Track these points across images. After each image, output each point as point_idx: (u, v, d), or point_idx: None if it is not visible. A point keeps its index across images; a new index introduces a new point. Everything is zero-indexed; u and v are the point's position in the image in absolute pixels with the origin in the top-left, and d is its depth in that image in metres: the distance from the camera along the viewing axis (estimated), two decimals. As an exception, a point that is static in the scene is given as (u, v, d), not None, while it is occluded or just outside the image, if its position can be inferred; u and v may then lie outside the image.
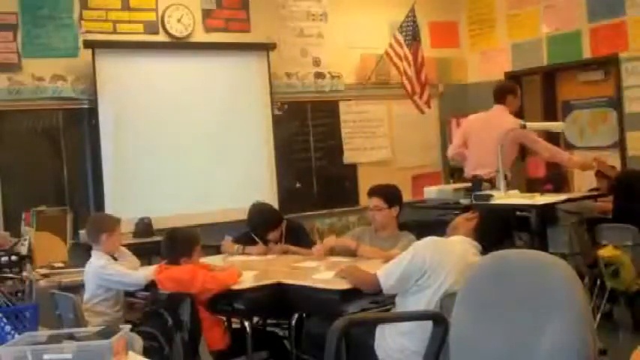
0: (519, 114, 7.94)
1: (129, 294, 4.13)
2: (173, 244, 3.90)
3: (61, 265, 4.70)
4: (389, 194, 4.27)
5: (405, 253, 3.26)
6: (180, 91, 6.71)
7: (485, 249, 3.25)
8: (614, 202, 5.40)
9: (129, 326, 2.33)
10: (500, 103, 5.72)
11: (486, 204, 4.89)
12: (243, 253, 4.71)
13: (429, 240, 3.24)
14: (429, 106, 7.60)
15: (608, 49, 7.08)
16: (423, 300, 3.09)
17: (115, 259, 4.20)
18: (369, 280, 3.34)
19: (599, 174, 6.00)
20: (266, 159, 7.16)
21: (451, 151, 6.09)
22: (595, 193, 5.81)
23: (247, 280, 3.84)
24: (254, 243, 4.76)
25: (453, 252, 3.18)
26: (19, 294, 4.10)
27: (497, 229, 3.49)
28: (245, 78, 7.12)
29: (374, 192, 4.32)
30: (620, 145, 7.11)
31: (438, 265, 3.10)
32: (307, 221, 7.09)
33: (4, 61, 6.10)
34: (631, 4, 6.87)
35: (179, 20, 6.85)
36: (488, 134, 5.45)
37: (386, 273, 3.25)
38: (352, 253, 4.24)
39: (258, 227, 4.78)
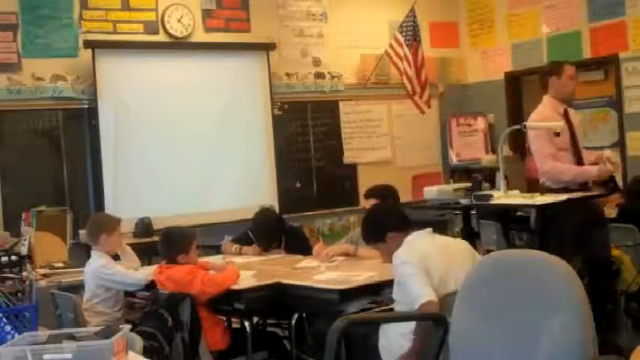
0: (521, 112, 7.99)
1: (129, 294, 4.14)
2: (169, 242, 3.91)
3: (61, 265, 4.70)
4: (385, 194, 4.27)
5: (401, 270, 3.05)
6: (180, 91, 6.70)
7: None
8: (623, 202, 5.40)
9: (129, 326, 2.33)
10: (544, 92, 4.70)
11: (486, 204, 4.88)
12: (240, 254, 4.72)
13: (405, 252, 3.10)
14: (429, 106, 7.60)
15: (608, 49, 7.08)
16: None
17: (118, 257, 4.20)
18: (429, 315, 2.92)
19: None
20: (266, 159, 7.16)
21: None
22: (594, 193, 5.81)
23: (247, 280, 3.84)
24: (252, 243, 4.77)
25: (430, 255, 3.08)
26: (19, 294, 4.09)
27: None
28: (245, 78, 7.12)
29: (370, 193, 4.33)
30: (620, 145, 7.11)
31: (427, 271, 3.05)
32: (307, 221, 7.11)
33: (4, 61, 6.10)
34: (631, 4, 6.88)
35: (179, 20, 6.85)
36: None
37: (422, 293, 2.93)
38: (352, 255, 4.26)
39: (262, 236, 4.78)
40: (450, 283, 2.96)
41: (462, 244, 3.26)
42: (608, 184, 5.85)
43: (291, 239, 4.81)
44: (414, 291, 2.94)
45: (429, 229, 3.25)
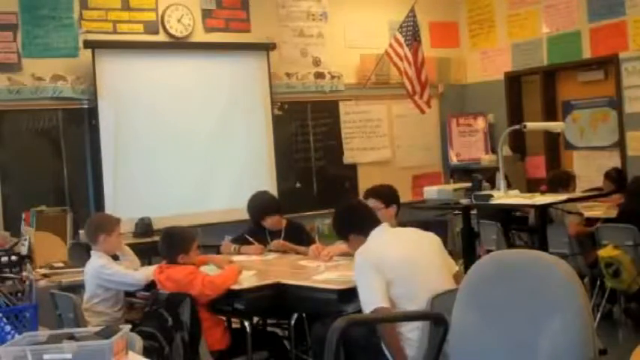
0: (521, 112, 8.00)
1: (129, 294, 4.13)
2: (170, 242, 3.90)
3: (61, 265, 4.69)
4: (385, 194, 4.26)
5: (357, 276, 3.20)
6: (180, 91, 6.71)
7: None
8: (622, 202, 5.41)
9: (129, 326, 2.33)
10: None
11: (486, 204, 4.89)
12: (239, 253, 4.72)
13: (363, 255, 3.23)
14: (430, 106, 7.59)
15: (608, 49, 7.08)
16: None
17: (117, 258, 4.20)
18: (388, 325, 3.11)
19: (608, 177, 6.02)
20: (266, 159, 7.16)
21: None
22: (595, 193, 5.82)
23: (247, 280, 3.84)
24: (250, 244, 4.77)
25: (384, 258, 3.18)
26: (19, 294, 4.09)
27: None
28: (245, 78, 7.12)
29: (369, 193, 4.32)
30: (620, 145, 7.11)
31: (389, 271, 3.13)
32: (307, 221, 7.08)
33: (4, 61, 6.10)
34: (631, 4, 6.87)
35: (179, 20, 6.85)
36: None
37: (371, 300, 3.10)
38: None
39: (256, 210, 4.80)
40: (417, 265, 3.16)
41: (413, 231, 3.43)
42: None
43: (293, 234, 4.81)
44: (364, 298, 3.11)
45: (386, 224, 3.45)
